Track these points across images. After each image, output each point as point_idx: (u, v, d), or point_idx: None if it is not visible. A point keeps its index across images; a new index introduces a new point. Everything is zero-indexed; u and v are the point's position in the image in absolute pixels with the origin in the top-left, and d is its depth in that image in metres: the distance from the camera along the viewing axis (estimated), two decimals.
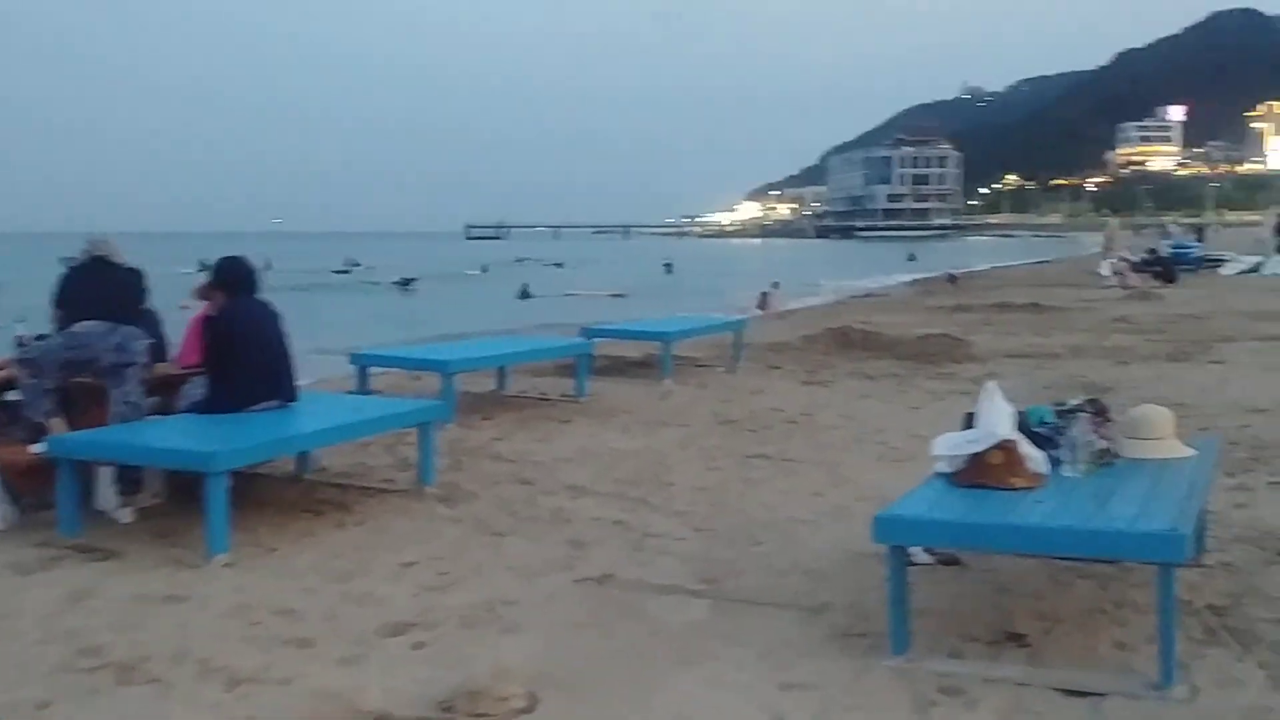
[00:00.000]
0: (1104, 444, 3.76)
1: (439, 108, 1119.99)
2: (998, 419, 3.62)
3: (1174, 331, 12.99)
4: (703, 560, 4.43)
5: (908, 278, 34.81)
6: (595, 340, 9.77)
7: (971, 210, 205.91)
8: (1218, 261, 28.36)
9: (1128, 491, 3.40)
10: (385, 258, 63.76)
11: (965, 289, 24.82)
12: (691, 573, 4.27)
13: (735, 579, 4.20)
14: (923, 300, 20.90)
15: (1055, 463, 3.68)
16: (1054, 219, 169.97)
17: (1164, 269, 23.17)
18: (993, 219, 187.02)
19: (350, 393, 7.31)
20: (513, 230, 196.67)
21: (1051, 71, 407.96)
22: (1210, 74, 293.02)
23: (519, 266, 56.33)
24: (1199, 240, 35.62)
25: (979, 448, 3.56)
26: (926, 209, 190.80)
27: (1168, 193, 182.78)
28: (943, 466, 3.67)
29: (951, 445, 3.65)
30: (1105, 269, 23.28)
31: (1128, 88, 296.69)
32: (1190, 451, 3.91)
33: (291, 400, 5.29)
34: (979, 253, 65.46)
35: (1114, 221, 28.12)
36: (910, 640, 3.33)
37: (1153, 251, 25.18)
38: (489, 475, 5.87)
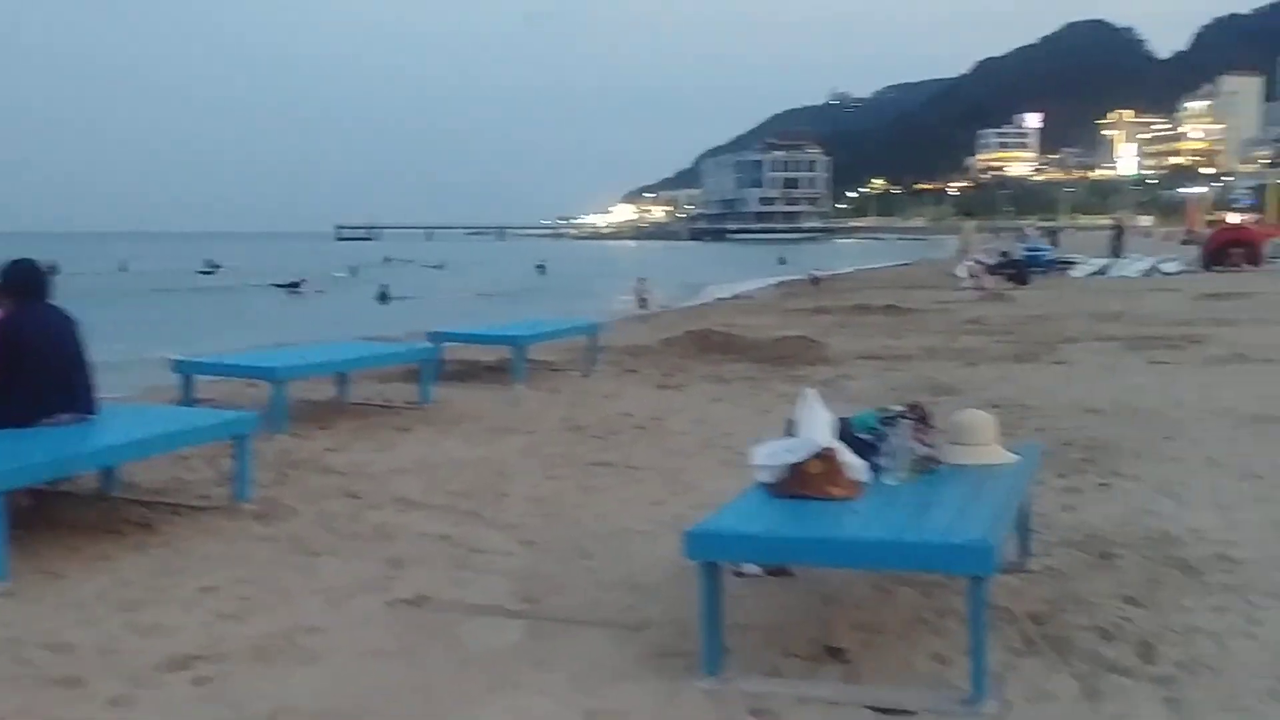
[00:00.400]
0: (926, 451, 3.70)
1: (307, 103, 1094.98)
2: (817, 427, 3.52)
3: (1022, 333, 13.31)
4: (527, 577, 4.24)
5: (776, 280, 35.21)
6: (445, 345, 9.52)
7: (840, 213, 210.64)
8: (1068, 264, 29.38)
9: (945, 500, 3.33)
10: (248, 259, 62.00)
11: (828, 291, 25.16)
12: (514, 591, 4.07)
13: (558, 596, 4.02)
14: (785, 302, 21.09)
15: (877, 471, 3.61)
16: (918, 222, 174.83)
17: (1017, 271, 23.86)
18: (860, 222, 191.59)
19: (172, 403, 6.91)
20: (385, 231, 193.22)
21: (916, 79, 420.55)
22: (1065, 83, 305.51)
23: (389, 268, 55.36)
24: (1052, 243, 36.96)
25: (798, 457, 3.45)
26: (797, 212, 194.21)
27: (1025, 197, 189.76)
28: (764, 476, 3.56)
29: (770, 455, 3.53)
30: (962, 271, 23.86)
31: (988, 95, 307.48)
32: (1012, 457, 3.88)
33: (90, 412, 4.92)
34: (846, 255, 66.84)
35: (969, 225, 28.95)
36: (726, 659, 3.20)
37: (1006, 254, 25.94)
38: (314, 489, 5.57)
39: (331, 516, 5.06)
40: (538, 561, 4.45)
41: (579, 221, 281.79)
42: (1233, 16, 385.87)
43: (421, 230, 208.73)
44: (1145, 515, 4.79)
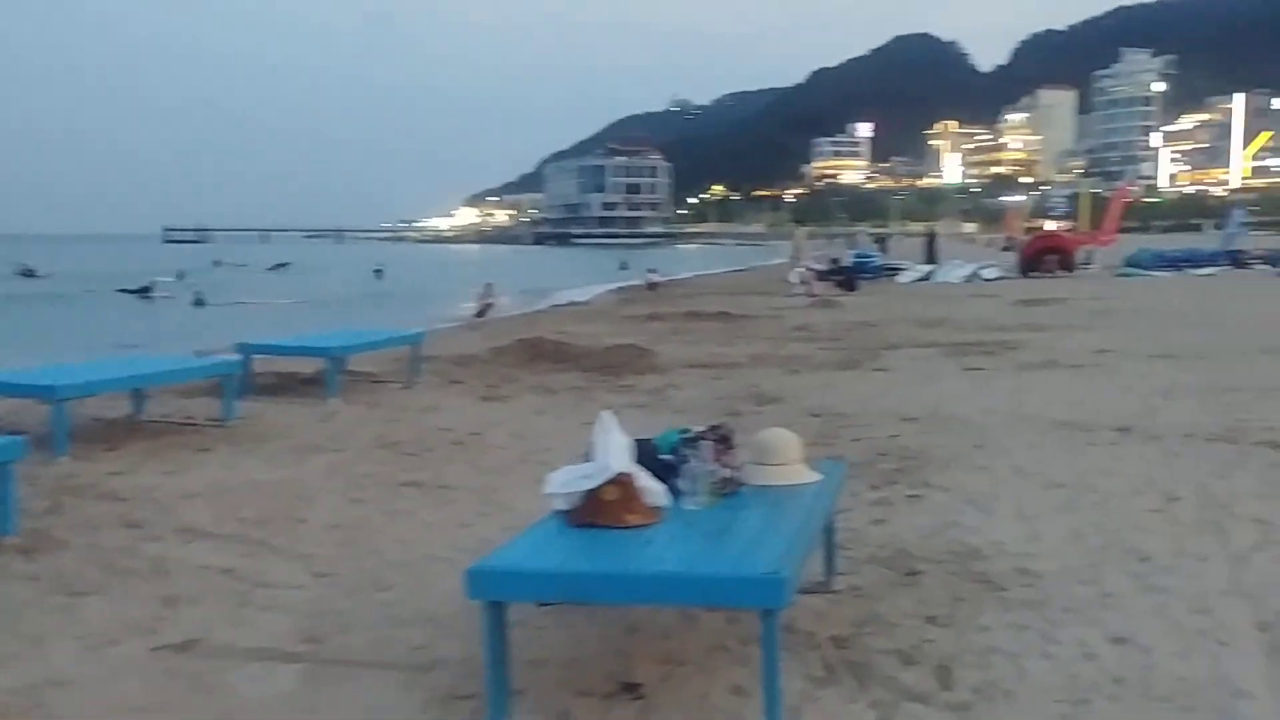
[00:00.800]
0: (727, 473, 3.58)
1: (135, 102, 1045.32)
2: (613, 451, 3.35)
3: (847, 339, 13.53)
4: (314, 614, 3.95)
5: (617, 285, 35.21)
6: (256, 357, 9.05)
7: (682, 219, 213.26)
8: (896, 270, 30.26)
9: (742, 526, 3.20)
10: (70, 263, 58.78)
11: (665, 296, 25.27)
12: (297, 630, 3.78)
13: (345, 635, 3.75)
14: (621, 309, 21.04)
15: (677, 495, 3.47)
16: (757, 228, 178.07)
17: (846, 278, 24.43)
18: (701, 227, 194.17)
19: None
20: (217, 233, 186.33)
21: (754, 87, 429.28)
22: (894, 94, 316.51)
23: (219, 271, 53.26)
24: (881, 250, 38.10)
25: (593, 483, 3.28)
26: (639, 217, 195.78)
27: (858, 204, 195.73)
28: (560, 505, 3.37)
29: (565, 482, 3.35)
30: (794, 277, 24.30)
31: (822, 105, 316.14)
32: (816, 476, 3.79)
33: None
34: (688, 260, 67.48)
35: (801, 231, 29.52)
36: (515, 702, 3.00)
37: (835, 261, 26.55)
38: (91, 519, 5.13)
39: (105, 550, 4.65)
40: (328, 596, 4.16)
41: (421, 225, 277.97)
42: (1049, 32, 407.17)
43: (256, 232, 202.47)
44: (952, 528, 4.80)
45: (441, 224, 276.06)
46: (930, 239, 37.03)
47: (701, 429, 3.64)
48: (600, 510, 3.26)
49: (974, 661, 3.32)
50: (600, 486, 3.27)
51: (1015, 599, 3.86)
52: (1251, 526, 4.67)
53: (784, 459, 3.76)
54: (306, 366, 9.94)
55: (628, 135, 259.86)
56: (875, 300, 21.20)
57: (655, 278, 30.97)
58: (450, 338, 14.41)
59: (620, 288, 32.95)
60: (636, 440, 3.61)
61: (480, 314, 21.36)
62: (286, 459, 6.60)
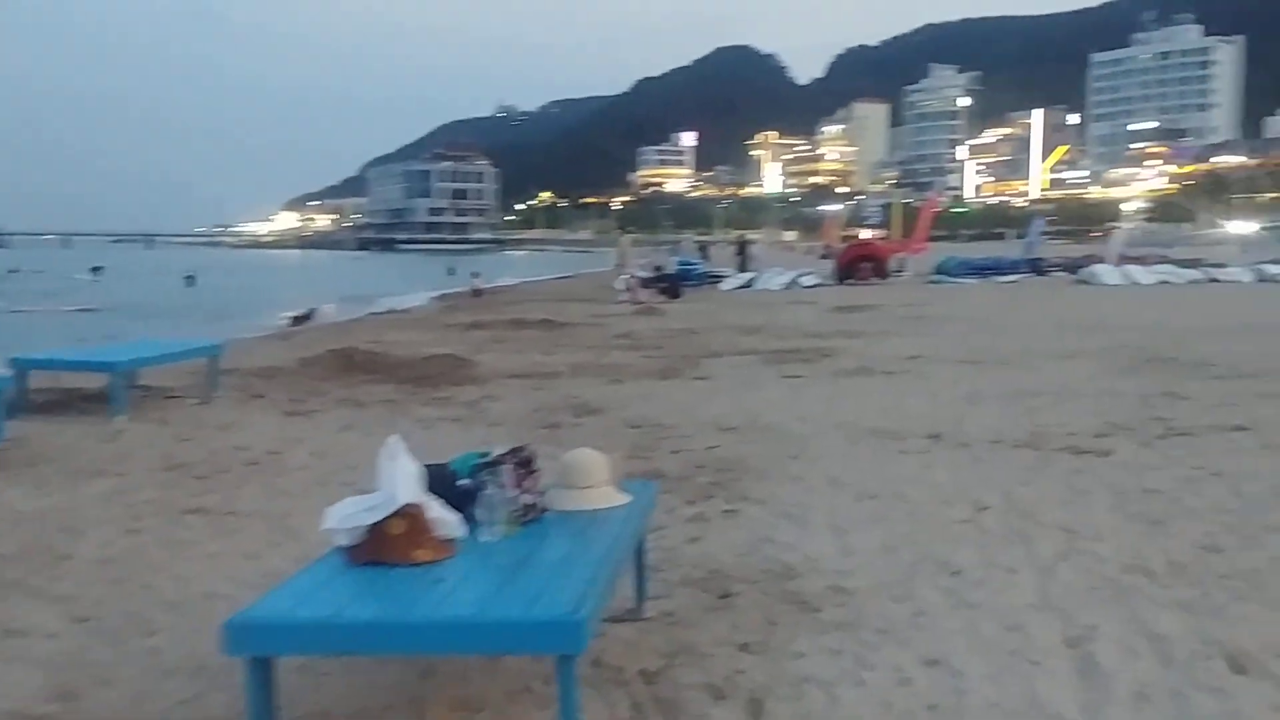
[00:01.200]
0: (529, 499, 3.33)
1: None
2: (400, 480, 3.06)
3: (670, 347, 13.48)
4: (70, 665, 3.52)
5: (441, 292, 34.49)
6: (31, 372, 8.33)
7: (509, 225, 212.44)
8: (719, 277, 30.65)
9: (542, 559, 2.97)
10: None
11: (489, 304, 24.85)
12: (48, 687, 3.35)
13: (104, 690, 3.34)
14: (443, 316, 20.53)
15: (474, 525, 3.20)
16: (585, 235, 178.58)
17: (670, 285, 24.54)
18: (529, 234, 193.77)
19: None
20: (12, 238, 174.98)
21: (580, 95, 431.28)
22: (716, 104, 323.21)
23: (14, 280, 49.79)
24: (704, 257, 38.56)
25: (377, 516, 2.99)
26: (466, 223, 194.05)
27: (683, 212, 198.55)
28: (342, 540, 3.06)
29: (346, 515, 3.04)
30: (619, 284, 24.28)
31: (647, 113, 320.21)
32: (625, 498, 3.59)
33: None
34: (515, 266, 66.91)
35: (625, 239, 29.58)
36: None
37: (659, 269, 26.65)
38: None
39: None
40: (87, 644, 3.72)
41: (238, 230, 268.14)
42: (862, 47, 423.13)
43: (58, 236, 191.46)
44: (767, 544, 4.68)
45: (260, 229, 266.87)
46: (742, 247, 37.74)
47: (502, 451, 3.39)
48: (385, 546, 2.97)
49: (787, 693, 3.16)
50: (385, 519, 2.98)
51: (829, 620, 3.74)
52: (1057, 534, 4.70)
53: (591, 481, 3.55)
54: (93, 382, 9.23)
55: (454, 140, 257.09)
56: (698, 307, 21.33)
57: (480, 284, 30.46)
58: (256, 348, 13.71)
59: (444, 294, 32.28)
60: (430, 466, 3.34)
61: (298, 321, 20.51)
62: (57, 485, 6.02)
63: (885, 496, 5.48)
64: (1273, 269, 29.24)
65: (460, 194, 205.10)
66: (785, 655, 3.46)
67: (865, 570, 4.29)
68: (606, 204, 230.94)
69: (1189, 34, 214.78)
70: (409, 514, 3.00)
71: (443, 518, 3.10)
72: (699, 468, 6.23)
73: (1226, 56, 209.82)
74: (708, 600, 3.98)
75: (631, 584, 3.85)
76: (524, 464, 3.37)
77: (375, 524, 2.99)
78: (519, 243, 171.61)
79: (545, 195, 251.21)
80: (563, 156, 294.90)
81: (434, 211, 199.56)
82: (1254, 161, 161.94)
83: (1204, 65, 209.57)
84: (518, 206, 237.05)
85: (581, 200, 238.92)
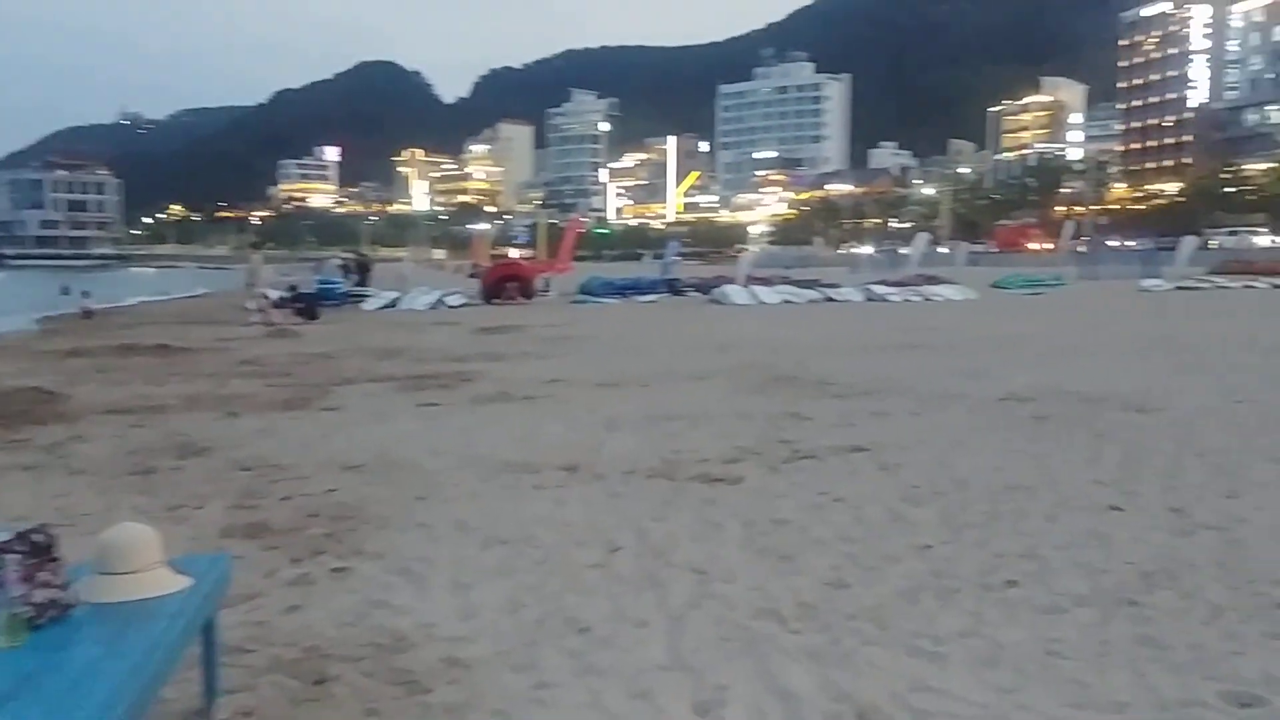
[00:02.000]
0: (48, 594, 2.63)
1: None
2: None
3: (300, 374, 12.55)
4: None
5: (46, 314, 30.97)
6: None
7: (136, 239, 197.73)
8: (361, 297, 29.52)
9: (55, 675, 2.30)
10: None
11: (100, 326, 22.55)
12: None
13: None
14: (40, 343, 18.24)
15: None
16: (221, 250, 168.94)
17: (306, 305, 23.26)
18: (160, 249, 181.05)
19: None
20: None
21: (213, 104, 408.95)
22: (361, 119, 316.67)
23: None
24: (348, 275, 37.10)
25: None
26: (85, 237, 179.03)
27: (328, 228, 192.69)
28: None
29: None
30: (250, 304, 22.74)
31: (287, 126, 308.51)
32: (183, 582, 2.95)
33: None
34: (141, 284, 61.66)
35: (256, 256, 27.75)
36: None
37: (294, 288, 25.23)
38: None
39: None
40: None
41: None
42: (507, 69, 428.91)
43: None
44: (379, 609, 4.14)
45: None
46: (360, 264, 36.71)
47: (7, 537, 2.66)
48: None
49: None
50: None
51: (439, 703, 3.27)
52: (688, 578, 4.47)
53: (137, 565, 2.88)
54: None
55: (70, 148, 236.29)
56: (337, 329, 20.30)
57: (91, 304, 27.65)
58: None
59: (51, 316, 29.01)
60: None
61: None
62: None
63: (515, 541, 5.08)
64: (879, 289, 31.86)
65: (78, 205, 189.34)
66: None
67: (486, 634, 3.85)
68: (245, 218, 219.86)
69: (803, 70, 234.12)
70: None
71: None
72: (311, 517, 5.58)
73: (835, 93, 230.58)
74: (297, 689, 3.38)
75: (200, 679, 3.20)
76: (39, 550, 2.66)
77: None
78: (147, 259, 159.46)
79: (176, 208, 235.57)
80: (196, 168, 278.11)
81: (47, 224, 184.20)
82: (860, 190, 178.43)
83: (816, 100, 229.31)
84: (146, 220, 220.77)
85: (217, 214, 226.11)
